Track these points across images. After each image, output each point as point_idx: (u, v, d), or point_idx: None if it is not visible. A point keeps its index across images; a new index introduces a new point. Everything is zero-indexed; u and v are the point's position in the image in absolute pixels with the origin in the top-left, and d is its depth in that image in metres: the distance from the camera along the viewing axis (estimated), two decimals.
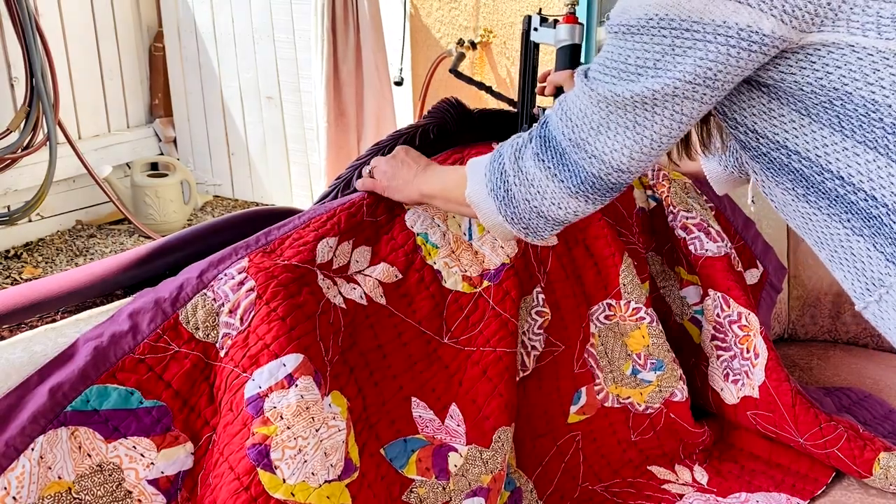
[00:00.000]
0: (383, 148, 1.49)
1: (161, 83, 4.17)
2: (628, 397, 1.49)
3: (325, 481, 1.07)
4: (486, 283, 1.35)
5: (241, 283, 1.13)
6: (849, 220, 0.88)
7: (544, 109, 1.52)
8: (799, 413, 1.45)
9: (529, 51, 1.56)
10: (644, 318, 1.50)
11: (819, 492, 1.43)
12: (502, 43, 3.40)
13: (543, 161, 0.99)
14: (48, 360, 1.07)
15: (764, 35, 0.81)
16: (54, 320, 1.24)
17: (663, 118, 0.89)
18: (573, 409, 1.45)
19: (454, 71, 3.29)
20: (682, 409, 1.51)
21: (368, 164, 1.47)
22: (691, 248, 1.57)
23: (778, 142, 0.91)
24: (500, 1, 3.37)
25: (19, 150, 3.16)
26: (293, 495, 1.04)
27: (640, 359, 1.49)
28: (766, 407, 1.48)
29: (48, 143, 3.24)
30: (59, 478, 1.01)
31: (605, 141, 0.93)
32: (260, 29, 3.85)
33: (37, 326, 1.21)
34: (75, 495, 1.02)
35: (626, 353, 1.49)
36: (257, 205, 4.13)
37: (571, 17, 1.44)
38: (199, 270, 1.16)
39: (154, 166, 4.04)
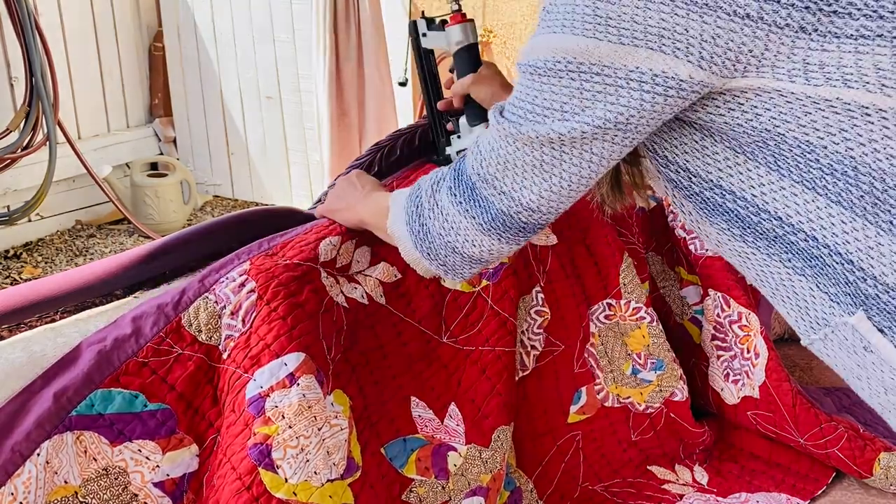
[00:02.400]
0: (383, 148, 1.49)
1: (161, 83, 4.17)
2: (628, 397, 1.48)
3: (328, 480, 1.07)
4: (484, 282, 1.35)
5: (242, 285, 1.13)
6: (789, 261, 0.84)
7: (458, 120, 1.43)
8: (799, 413, 1.45)
9: (425, 59, 1.46)
10: (644, 318, 1.50)
11: (819, 492, 1.43)
12: (502, 43, 3.40)
13: (456, 196, 0.95)
14: (47, 359, 1.07)
15: (681, 80, 0.76)
16: (53, 320, 1.24)
17: (572, 157, 0.84)
18: (573, 408, 1.45)
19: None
20: (683, 408, 1.51)
21: (369, 163, 1.47)
22: (691, 247, 1.57)
23: (711, 181, 0.86)
24: (500, 1, 3.37)
25: (19, 150, 3.16)
26: (295, 495, 1.04)
27: (640, 358, 1.49)
28: (766, 407, 1.48)
29: (48, 142, 3.24)
30: (66, 482, 1.02)
31: (512, 178, 0.89)
32: (260, 29, 3.85)
33: (36, 326, 1.21)
34: (82, 499, 1.02)
35: (627, 352, 1.49)
36: (257, 205, 4.13)
37: (459, 16, 1.37)
38: (202, 275, 1.17)
39: (154, 166, 4.04)
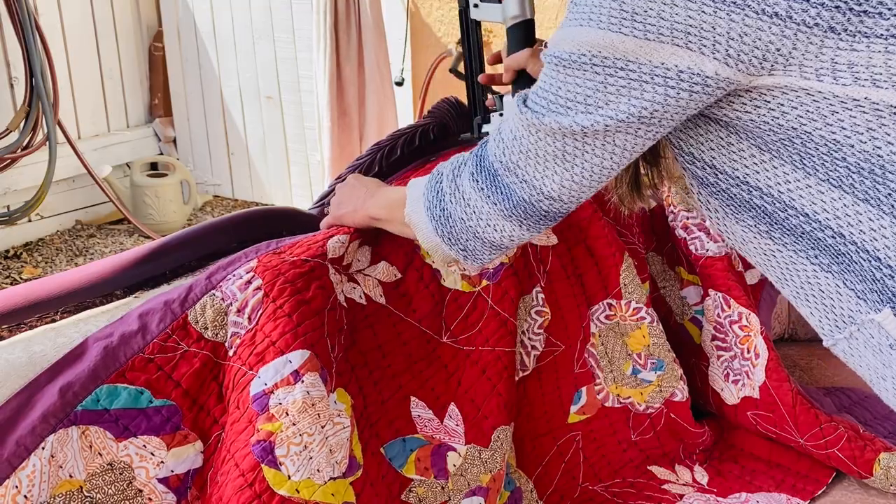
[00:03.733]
0: (383, 148, 1.49)
1: (161, 83, 4.17)
2: (629, 397, 1.48)
3: (330, 478, 1.07)
4: (484, 283, 1.35)
5: (249, 282, 1.14)
6: (816, 257, 0.84)
7: (502, 97, 1.38)
8: (799, 413, 1.45)
9: (471, 31, 1.41)
10: (644, 318, 1.50)
11: (819, 492, 1.43)
12: (502, 43, 3.40)
13: (478, 181, 0.95)
14: (47, 359, 1.07)
15: (707, 77, 0.76)
16: (54, 320, 1.24)
17: (594, 148, 0.84)
18: (573, 408, 1.45)
19: (454, 71, 3.28)
20: (683, 409, 1.51)
21: (369, 163, 1.47)
22: (692, 248, 1.57)
23: (738, 177, 0.86)
24: None
25: (19, 150, 3.16)
26: (298, 492, 1.04)
27: (640, 359, 1.49)
28: (766, 407, 1.48)
29: (48, 142, 3.24)
30: (71, 476, 1.02)
31: (535, 166, 0.89)
32: (260, 29, 3.85)
33: (36, 326, 1.21)
34: (86, 494, 1.03)
35: (627, 352, 1.49)
36: (257, 205, 4.13)
37: None
38: (209, 272, 1.17)
39: (154, 166, 4.04)
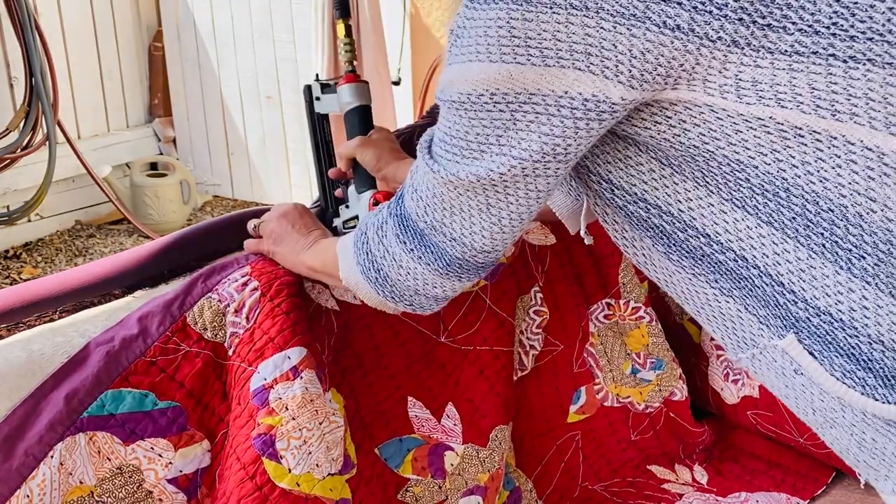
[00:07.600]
0: None
1: (160, 83, 4.17)
2: (628, 396, 1.48)
3: (329, 474, 1.08)
4: (482, 282, 1.35)
5: (245, 284, 1.15)
6: (716, 281, 0.80)
7: (347, 185, 1.31)
8: None
9: (317, 124, 1.37)
10: (643, 318, 1.50)
11: (819, 491, 1.43)
12: None
13: (405, 243, 0.90)
14: (46, 359, 1.08)
15: (613, 104, 0.71)
16: (52, 320, 1.24)
17: (517, 197, 0.80)
18: (573, 408, 1.45)
19: None
20: (682, 408, 1.51)
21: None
22: None
23: (636, 194, 0.82)
24: None
25: (18, 150, 3.16)
26: (298, 485, 1.05)
27: (639, 358, 1.49)
28: (766, 407, 1.48)
29: (47, 142, 3.24)
30: (81, 482, 1.03)
31: (461, 223, 0.84)
32: (259, 29, 3.85)
33: (35, 326, 1.21)
34: (98, 498, 1.04)
35: (626, 352, 1.49)
36: (256, 205, 4.13)
37: (352, 76, 1.30)
38: (203, 276, 1.18)
39: (153, 166, 4.04)
